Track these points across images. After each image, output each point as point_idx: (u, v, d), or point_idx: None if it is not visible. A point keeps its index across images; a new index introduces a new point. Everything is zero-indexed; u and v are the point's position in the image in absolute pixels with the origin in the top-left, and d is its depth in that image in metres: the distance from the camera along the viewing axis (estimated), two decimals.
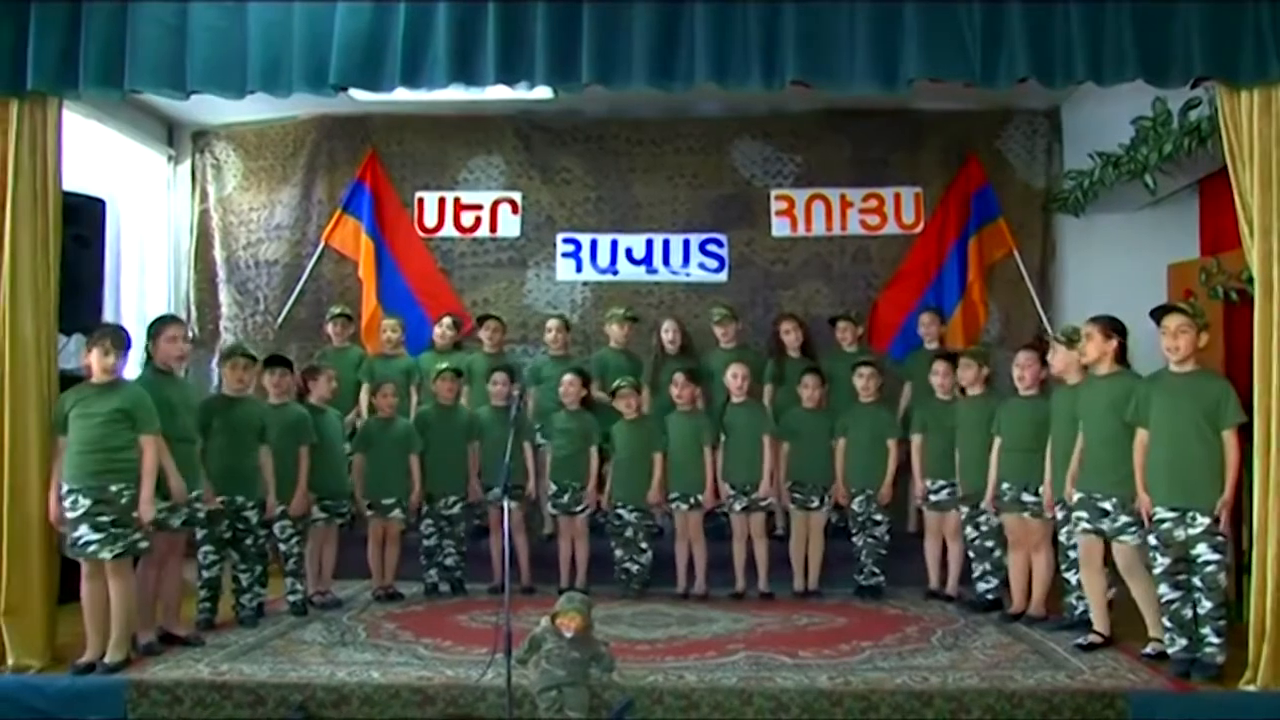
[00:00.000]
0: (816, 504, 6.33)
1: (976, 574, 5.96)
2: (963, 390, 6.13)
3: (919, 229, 7.89)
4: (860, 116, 7.81)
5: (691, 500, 6.29)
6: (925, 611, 5.91)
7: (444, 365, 6.61)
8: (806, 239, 7.95)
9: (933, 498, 6.20)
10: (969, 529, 5.96)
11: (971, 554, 5.98)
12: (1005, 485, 5.62)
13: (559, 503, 6.45)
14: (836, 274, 7.92)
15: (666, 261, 8.02)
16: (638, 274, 8.04)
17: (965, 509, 5.96)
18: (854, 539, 6.36)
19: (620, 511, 6.33)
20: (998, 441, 5.68)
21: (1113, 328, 4.99)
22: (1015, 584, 5.71)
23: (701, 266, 8.00)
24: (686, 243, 8.03)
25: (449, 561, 6.47)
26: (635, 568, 6.31)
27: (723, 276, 7.99)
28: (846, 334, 7.08)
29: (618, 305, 7.50)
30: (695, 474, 6.29)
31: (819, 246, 7.95)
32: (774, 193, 8.00)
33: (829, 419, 6.44)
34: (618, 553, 6.34)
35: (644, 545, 6.32)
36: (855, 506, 6.32)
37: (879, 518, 6.29)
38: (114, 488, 4.63)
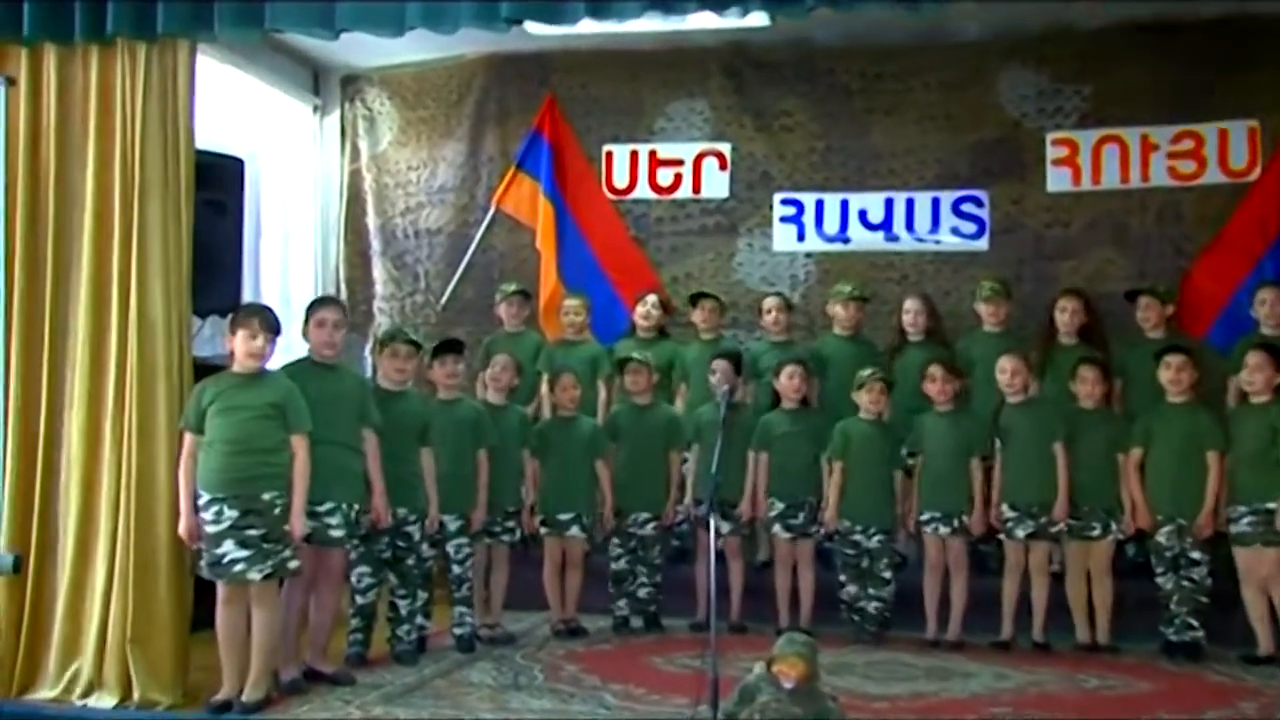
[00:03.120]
0: (1098, 531, 6.04)
1: None
2: None
3: (1253, 175, 7.35)
4: (1172, 30, 7.31)
5: (955, 522, 6.07)
6: (1267, 683, 5.44)
7: (634, 354, 6.61)
8: (1094, 194, 7.57)
9: (1233, 528, 5.82)
10: None
11: None
12: None
13: (791, 523, 6.34)
14: (1135, 238, 7.51)
15: (911, 226, 7.83)
16: (874, 241, 7.86)
17: None
18: (1160, 580, 5.98)
19: (858, 536, 6.17)
20: None
21: None
22: None
23: (955, 231, 7.76)
24: (936, 202, 7.80)
25: (642, 592, 6.46)
26: (872, 605, 6.16)
27: (982, 244, 7.72)
28: (1151, 313, 6.69)
29: (847, 280, 7.35)
30: (958, 489, 6.11)
31: (1111, 203, 7.56)
32: (1051, 136, 7.65)
33: (1117, 422, 6.16)
34: (850, 587, 6.21)
35: (885, 577, 6.16)
36: (1163, 539, 5.95)
37: (1196, 555, 5.89)
38: (266, 495, 4.75)
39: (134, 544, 4.89)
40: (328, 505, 5.13)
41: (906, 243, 7.82)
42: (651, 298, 7.43)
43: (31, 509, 5.04)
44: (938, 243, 7.77)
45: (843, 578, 6.23)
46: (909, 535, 6.44)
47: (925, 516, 6.16)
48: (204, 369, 5.18)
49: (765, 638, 5.05)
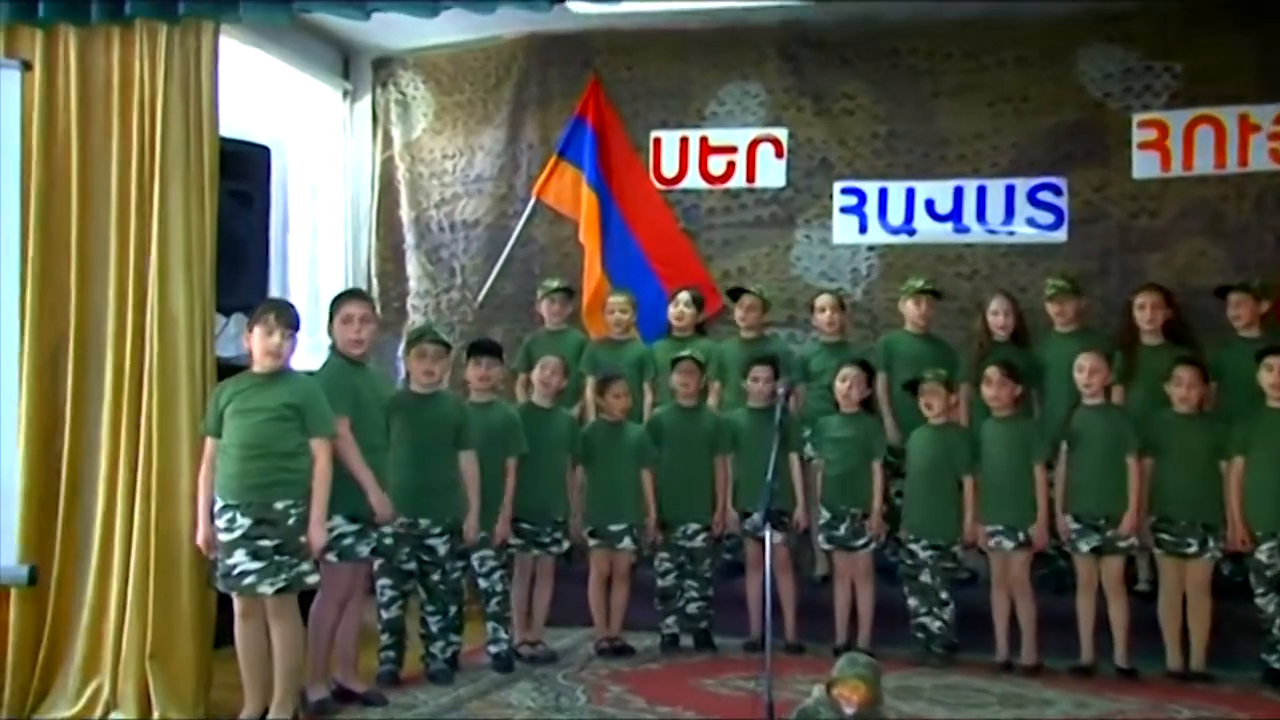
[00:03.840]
0: (1194, 548, 5.95)
1: None
2: None
3: None
4: None
5: (1020, 536, 6.04)
6: None
7: (684, 352, 6.60)
8: (1185, 180, 7.50)
9: None
10: None
11: None
12: None
13: (834, 534, 6.35)
14: (1232, 228, 7.42)
15: (982, 216, 7.80)
16: (943, 233, 7.84)
17: None
18: (1261, 601, 5.89)
19: (914, 547, 6.16)
20: None
21: None
22: None
23: (1031, 222, 7.72)
24: (1010, 190, 7.77)
25: (692, 608, 6.46)
26: (937, 625, 6.13)
27: (1060, 235, 7.68)
28: (1243, 310, 6.60)
29: (915, 275, 7.32)
30: (1020, 500, 6.06)
31: (1205, 190, 7.48)
32: (1138, 117, 7.58)
33: (1216, 430, 6.06)
34: (912, 602, 6.19)
35: (945, 595, 6.14)
36: (1264, 556, 5.87)
37: None
38: (280, 504, 4.77)
39: (154, 554, 4.93)
40: None
41: (977, 234, 7.78)
42: (684, 295, 7.41)
43: (49, 517, 5.08)
44: (1011, 234, 7.73)
45: (905, 592, 6.23)
46: (974, 550, 6.36)
47: (990, 529, 6.11)
48: (228, 370, 5.21)
49: (824, 658, 5.10)
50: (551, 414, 6.30)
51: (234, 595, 4.79)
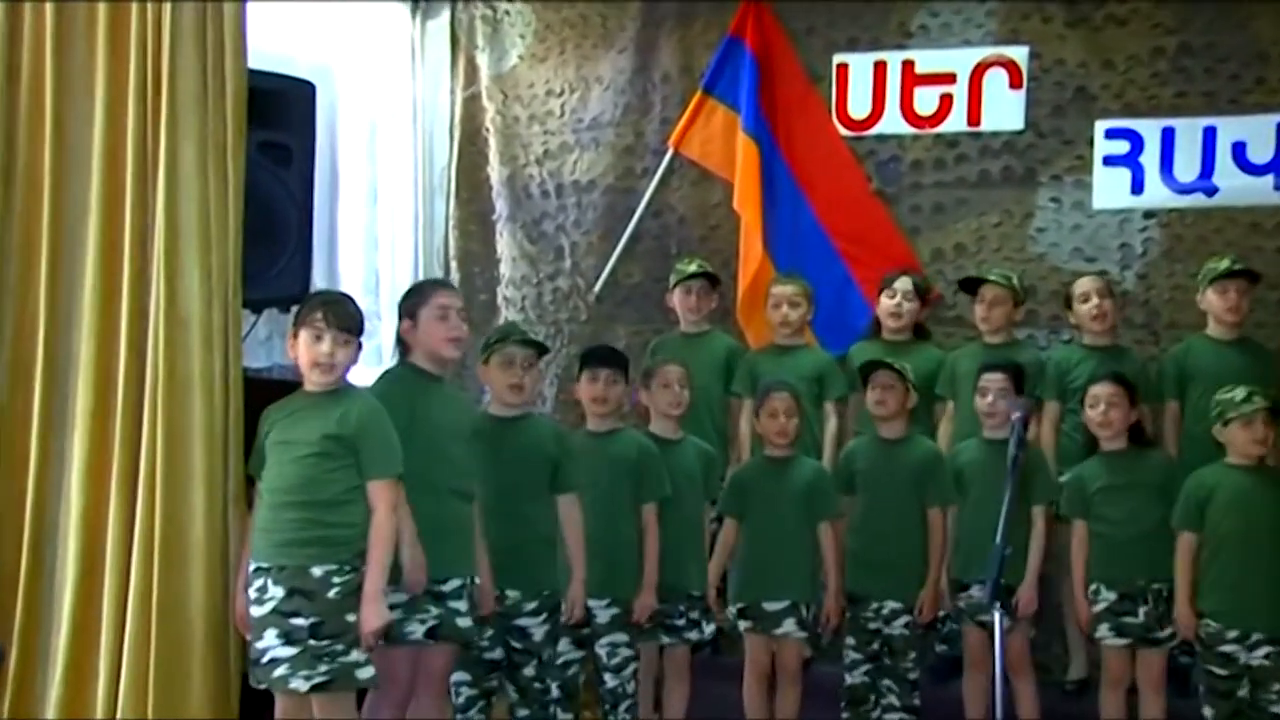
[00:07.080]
0: None
1: None
2: None
3: None
4: None
5: None
6: None
7: (885, 359, 6.58)
8: None
9: None
10: None
11: None
12: None
13: (1128, 623, 6.21)
14: None
15: None
16: (1260, 191, 7.70)
17: None
18: None
19: (1226, 647, 6.02)
20: None
21: None
22: None
23: None
24: None
25: (891, 718, 6.41)
26: None
27: None
28: None
29: (1216, 255, 7.19)
30: None
31: None
32: None
33: None
34: (1208, 713, 6.06)
35: (1275, 713, 5.99)
36: None
37: None
38: (318, 570, 4.80)
39: (156, 632, 4.99)
40: (453, 583, 5.24)
41: None
42: (903, 282, 7.35)
43: (15, 581, 5.18)
44: None
45: (1208, 712, 6.07)
46: None
47: None
48: (261, 385, 5.33)
49: None
50: (679, 446, 6.34)
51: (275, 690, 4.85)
